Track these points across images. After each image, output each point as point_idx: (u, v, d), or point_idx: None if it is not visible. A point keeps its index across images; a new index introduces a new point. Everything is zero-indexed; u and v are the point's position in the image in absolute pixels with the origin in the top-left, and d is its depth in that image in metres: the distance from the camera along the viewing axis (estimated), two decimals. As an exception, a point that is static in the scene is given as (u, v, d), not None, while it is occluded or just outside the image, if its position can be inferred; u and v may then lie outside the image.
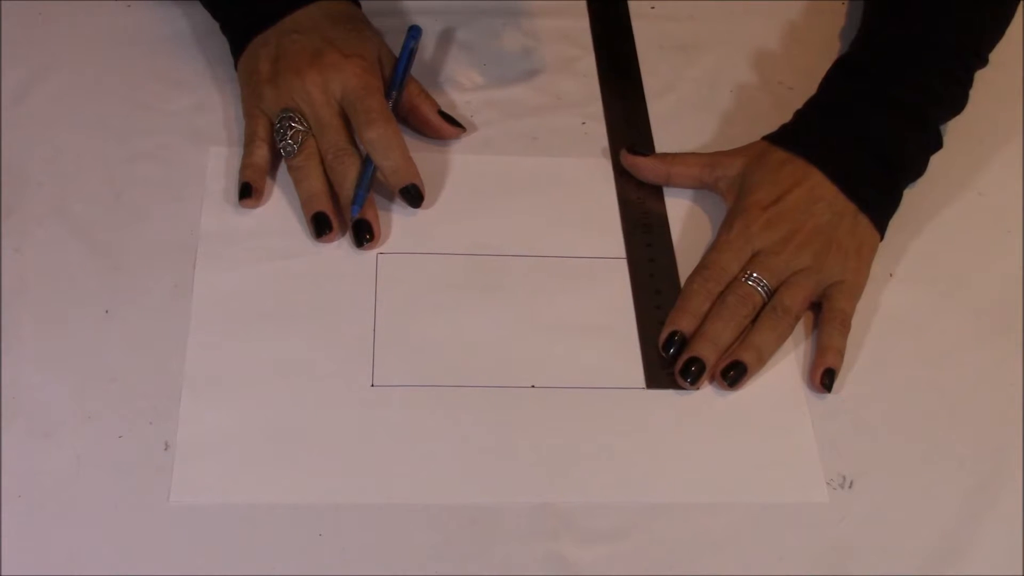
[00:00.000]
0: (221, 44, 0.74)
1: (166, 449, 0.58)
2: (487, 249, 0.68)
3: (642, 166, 0.72)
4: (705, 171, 0.70)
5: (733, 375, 0.63)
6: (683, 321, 0.64)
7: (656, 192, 0.72)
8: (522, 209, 0.70)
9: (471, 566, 0.56)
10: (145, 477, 0.57)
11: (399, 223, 0.68)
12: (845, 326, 0.65)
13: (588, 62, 0.78)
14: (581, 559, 0.57)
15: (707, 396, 0.63)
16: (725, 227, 0.67)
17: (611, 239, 0.69)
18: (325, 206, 0.67)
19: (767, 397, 0.63)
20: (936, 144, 0.71)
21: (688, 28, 0.81)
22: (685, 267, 0.67)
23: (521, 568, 0.56)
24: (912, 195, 0.71)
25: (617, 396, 0.62)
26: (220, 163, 0.69)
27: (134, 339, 0.62)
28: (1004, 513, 0.60)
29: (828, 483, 0.60)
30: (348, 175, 0.67)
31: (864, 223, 0.67)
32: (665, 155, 0.72)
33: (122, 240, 0.66)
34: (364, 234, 0.66)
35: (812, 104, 0.72)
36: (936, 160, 0.71)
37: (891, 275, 0.69)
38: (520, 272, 0.67)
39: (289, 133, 0.67)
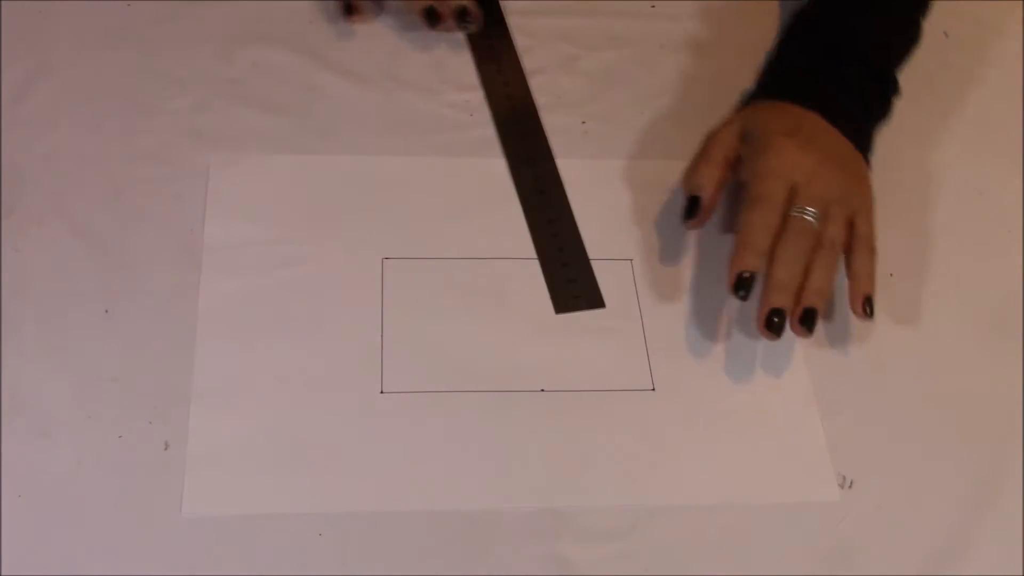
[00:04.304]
0: (220, 44, 0.74)
1: (166, 449, 0.58)
2: (493, 252, 0.67)
3: (700, 221, 0.68)
4: (725, 168, 0.68)
5: (809, 322, 0.62)
6: (750, 259, 0.62)
7: (656, 192, 0.72)
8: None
9: (472, 566, 0.56)
10: (145, 477, 0.57)
11: (403, 228, 0.68)
12: (873, 251, 0.65)
13: (588, 62, 0.78)
14: (582, 559, 0.57)
15: (716, 398, 0.63)
16: (759, 157, 0.65)
17: (615, 240, 0.69)
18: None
19: (776, 397, 0.63)
20: (894, 88, 0.72)
21: (688, 28, 0.81)
22: (698, 266, 0.67)
23: (521, 568, 0.56)
24: (912, 195, 0.71)
25: (627, 398, 0.62)
26: (223, 171, 0.69)
27: (134, 339, 0.62)
28: (1004, 513, 0.60)
29: (828, 483, 0.60)
30: None
31: (859, 157, 0.68)
32: (701, 191, 0.67)
33: (122, 240, 0.65)
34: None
35: (776, 63, 0.74)
36: (936, 160, 0.71)
37: (891, 275, 0.69)
38: (527, 275, 0.67)
39: None
